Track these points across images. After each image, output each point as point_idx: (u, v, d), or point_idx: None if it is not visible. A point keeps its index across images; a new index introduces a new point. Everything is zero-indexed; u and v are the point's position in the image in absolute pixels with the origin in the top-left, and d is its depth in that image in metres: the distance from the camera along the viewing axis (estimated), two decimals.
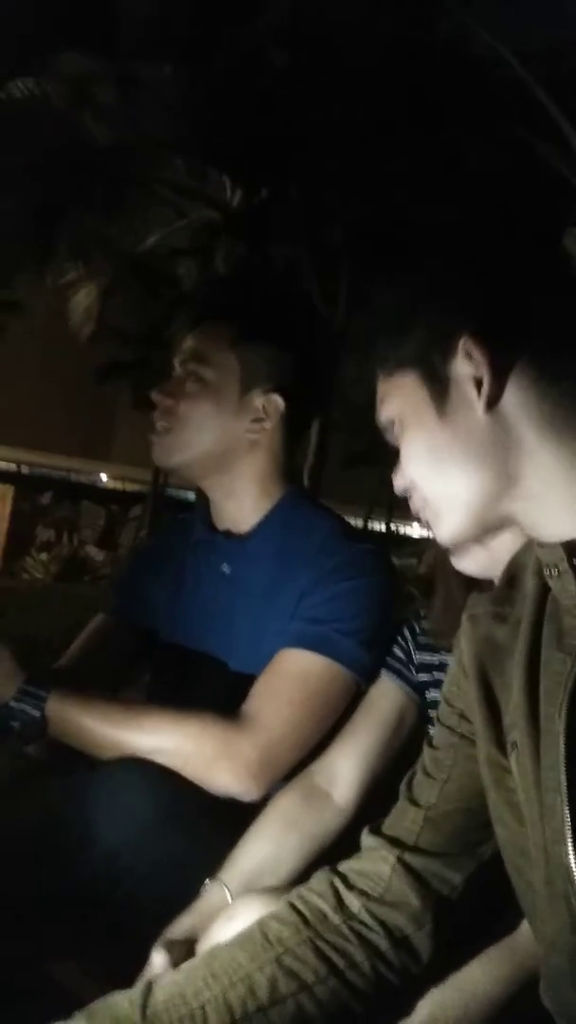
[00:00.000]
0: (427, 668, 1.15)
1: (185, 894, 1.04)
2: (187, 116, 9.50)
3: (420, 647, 1.17)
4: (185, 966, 0.77)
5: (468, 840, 0.80)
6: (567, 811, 0.63)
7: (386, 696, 1.16)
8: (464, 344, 0.70)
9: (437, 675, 1.13)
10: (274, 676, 1.16)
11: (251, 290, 1.38)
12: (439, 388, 0.73)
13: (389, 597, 1.22)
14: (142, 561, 1.48)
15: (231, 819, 1.09)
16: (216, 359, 1.25)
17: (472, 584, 1.05)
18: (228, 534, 1.30)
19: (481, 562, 1.02)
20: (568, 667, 0.66)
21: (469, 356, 0.70)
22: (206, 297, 1.38)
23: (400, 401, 0.76)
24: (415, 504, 0.79)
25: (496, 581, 0.83)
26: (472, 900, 0.80)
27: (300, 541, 1.25)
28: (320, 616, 1.18)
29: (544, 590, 0.73)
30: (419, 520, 0.81)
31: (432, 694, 1.14)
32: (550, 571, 0.70)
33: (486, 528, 0.76)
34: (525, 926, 0.84)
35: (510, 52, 6.77)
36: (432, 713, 1.12)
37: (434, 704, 1.12)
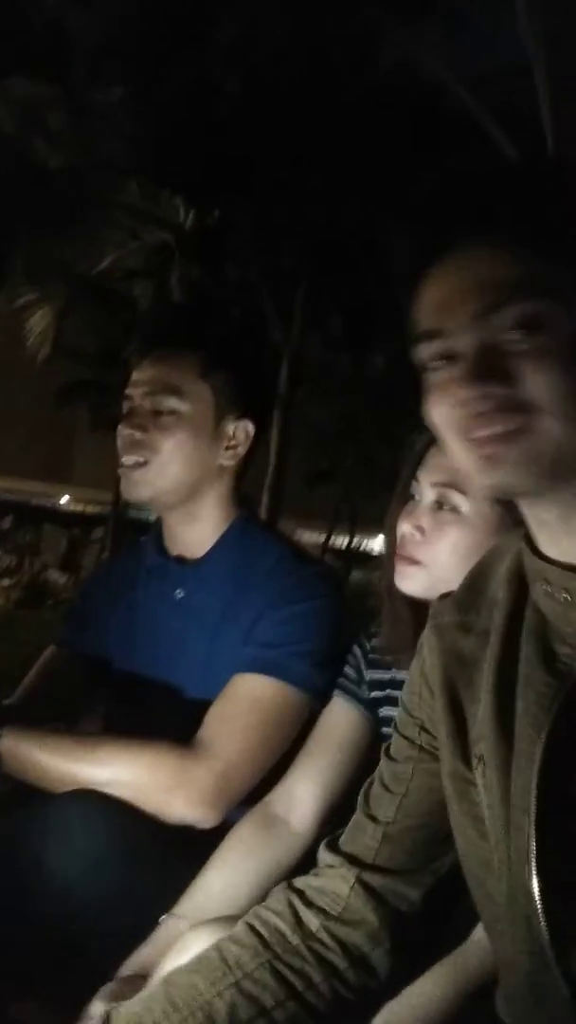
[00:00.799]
0: (379, 685, 1.16)
1: (142, 927, 1.03)
2: (139, 139, 9.53)
3: (371, 664, 1.18)
4: (143, 995, 0.76)
5: (427, 855, 0.80)
6: (533, 832, 0.63)
7: (340, 718, 1.17)
8: None
9: (389, 691, 1.14)
10: (228, 702, 1.16)
11: (215, 317, 1.39)
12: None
13: (339, 618, 1.24)
14: (94, 590, 1.47)
15: (189, 849, 1.09)
16: (188, 390, 1.25)
17: (416, 602, 1.07)
18: (181, 559, 1.31)
19: (421, 583, 1.05)
20: (554, 691, 0.65)
21: None
22: (169, 326, 1.38)
23: (558, 301, 0.62)
24: (501, 425, 0.62)
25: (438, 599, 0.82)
26: (429, 914, 0.80)
27: (252, 565, 1.26)
28: (272, 640, 1.19)
29: (518, 602, 0.70)
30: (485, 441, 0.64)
31: (385, 711, 1.15)
32: (552, 592, 0.67)
33: (545, 489, 0.64)
34: (476, 935, 0.85)
35: (454, 79, 6.91)
36: (386, 730, 1.13)
37: (387, 720, 1.13)
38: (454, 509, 1.03)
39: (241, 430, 1.28)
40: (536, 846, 0.63)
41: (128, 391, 1.29)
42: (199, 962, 0.77)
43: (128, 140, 9.57)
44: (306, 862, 1.03)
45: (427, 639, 0.80)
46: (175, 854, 1.08)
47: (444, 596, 0.82)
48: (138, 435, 1.25)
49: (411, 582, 1.05)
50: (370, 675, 1.18)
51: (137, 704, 1.28)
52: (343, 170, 9.35)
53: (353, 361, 13.77)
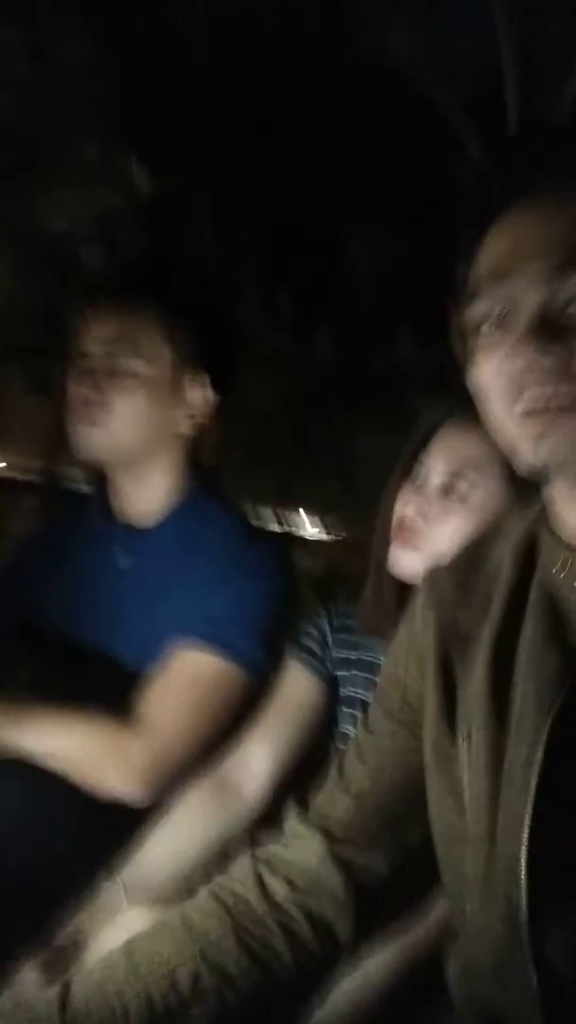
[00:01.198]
0: (345, 664, 1.15)
1: (61, 898, 0.99)
2: (101, 98, 9.27)
3: (338, 643, 1.16)
4: (105, 959, 0.73)
5: (397, 830, 0.78)
6: (530, 809, 0.61)
7: (300, 687, 1.15)
8: None
9: (355, 672, 1.13)
10: (168, 675, 1.12)
11: (176, 275, 1.34)
12: None
13: (287, 597, 1.21)
14: (30, 547, 1.41)
15: (117, 821, 1.05)
16: (148, 350, 1.21)
17: (402, 583, 1.04)
18: (128, 525, 1.26)
19: (416, 568, 1.02)
20: (562, 674, 0.63)
21: None
22: (128, 280, 1.32)
23: None
24: (553, 372, 0.59)
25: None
26: (396, 890, 0.79)
27: (202, 538, 1.22)
28: (217, 616, 1.15)
29: (523, 580, 0.69)
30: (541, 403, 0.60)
31: (347, 690, 1.13)
32: (569, 573, 0.66)
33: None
34: (433, 916, 0.86)
35: (425, 70, 6.90)
36: (347, 710, 1.11)
37: (349, 700, 1.12)
38: (461, 497, 1.00)
39: (201, 397, 1.23)
40: (530, 824, 0.61)
41: (85, 347, 1.23)
42: (162, 929, 0.74)
43: (90, 97, 9.30)
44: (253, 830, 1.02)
45: (420, 610, 0.78)
46: (105, 825, 1.03)
47: (437, 565, 0.79)
48: (95, 395, 1.19)
49: (406, 566, 1.03)
50: (337, 653, 1.16)
51: (71, 671, 1.23)
52: (306, 150, 9.28)
53: (296, 343, 13.77)
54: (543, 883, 0.62)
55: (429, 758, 0.73)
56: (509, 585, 0.70)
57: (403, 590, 1.01)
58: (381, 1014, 0.89)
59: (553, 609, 0.67)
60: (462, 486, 1.00)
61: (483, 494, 0.99)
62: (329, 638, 1.17)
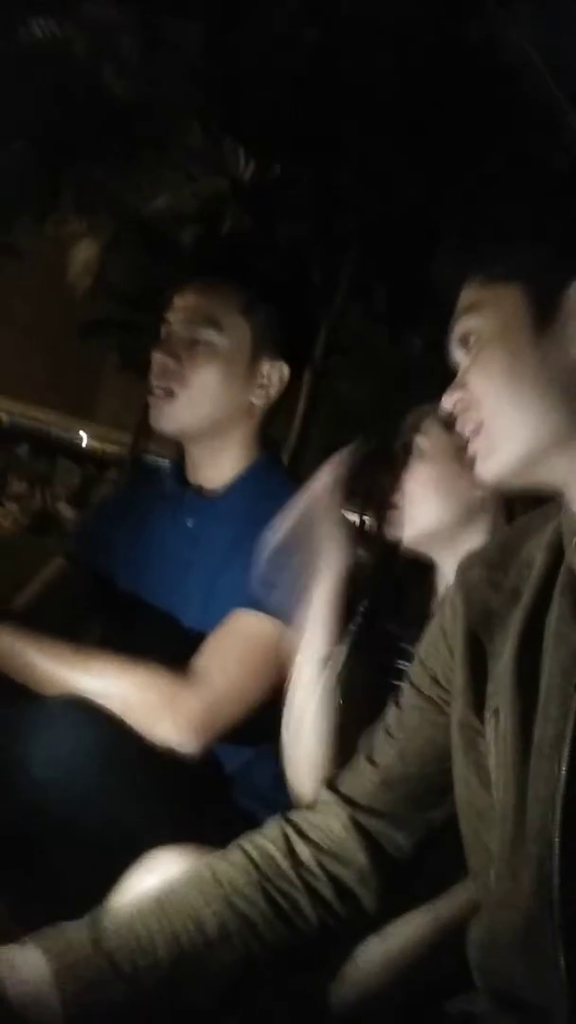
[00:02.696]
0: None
1: (110, 841, 1.04)
2: (209, 81, 9.36)
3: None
4: (135, 902, 0.78)
5: (421, 804, 0.81)
6: (563, 778, 0.64)
7: None
8: None
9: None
10: (226, 635, 1.16)
11: (263, 255, 1.37)
12: (544, 312, 0.69)
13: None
14: (108, 509, 1.47)
15: (166, 772, 1.09)
16: (228, 323, 1.24)
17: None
18: (199, 490, 1.30)
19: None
20: None
21: None
22: (217, 256, 1.36)
23: (493, 313, 0.72)
24: (465, 428, 0.74)
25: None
26: (419, 863, 0.82)
27: (267, 505, 1.24)
28: (276, 581, 1.18)
29: (554, 565, 0.72)
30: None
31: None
32: None
33: (531, 480, 0.73)
34: (465, 891, 0.87)
35: (541, 62, 6.74)
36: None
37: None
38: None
39: (276, 371, 1.27)
40: (564, 790, 0.64)
41: (167, 316, 1.28)
42: (190, 877, 0.79)
43: (198, 80, 9.40)
44: None
45: (452, 592, 0.81)
46: (155, 775, 1.08)
47: (471, 553, 0.83)
48: (172, 364, 1.23)
49: (396, 529, 1.11)
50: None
51: (136, 625, 1.28)
52: (412, 143, 9.17)
53: (391, 339, 13.62)
54: (574, 855, 0.64)
55: (456, 735, 0.76)
56: (542, 569, 0.72)
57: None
58: (410, 981, 0.91)
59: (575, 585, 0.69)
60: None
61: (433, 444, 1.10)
62: None
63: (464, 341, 0.75)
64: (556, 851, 0.64)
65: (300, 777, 1.03)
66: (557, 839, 0.64)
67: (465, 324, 0.75)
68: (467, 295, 0.75)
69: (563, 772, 0.64)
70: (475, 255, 0.76)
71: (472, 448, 0.74)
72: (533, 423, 0.69)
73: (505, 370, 0.70)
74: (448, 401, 0.75)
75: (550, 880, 0.64)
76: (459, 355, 0.76)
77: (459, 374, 0.76)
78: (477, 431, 0.73)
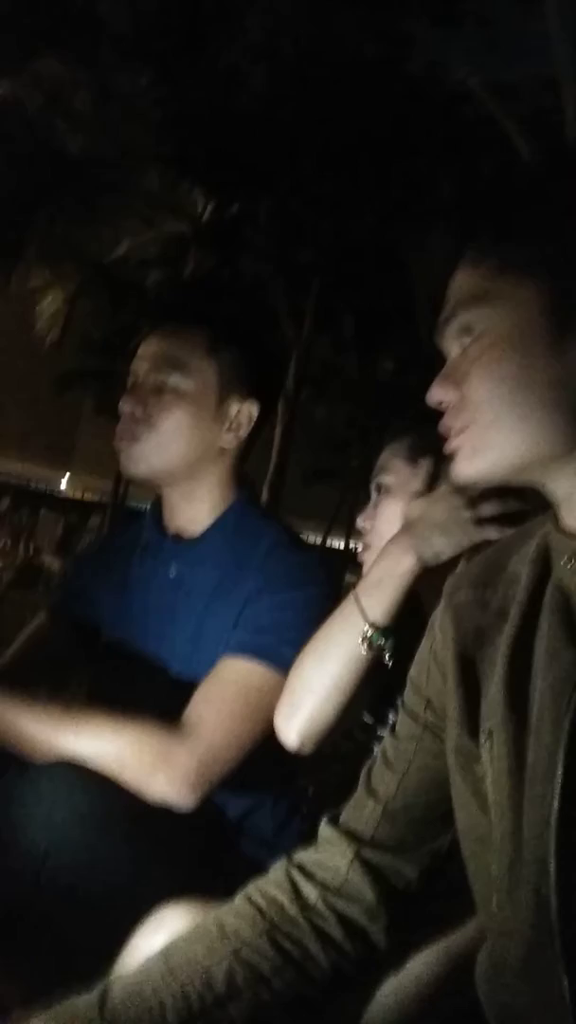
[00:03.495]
0: None
1: (113, 903, 1.02)
2: (162, 128, 9.52)
3: None
4: (144, 964, 0.76)
5: (425, 834, 0.79)
6: (557, 800, 0.62)
7: None
8: None
9: None
10: (216, 684, 1.15)
11: (225, 296, 1.38)
12: (564, 311, 0.64)
13: (332, 607, 1.22)
14: (89, 561, 1.46)
15: (165, 829, 1.08)
16: (194, 366, 1.24)
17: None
18: (177, 537, 1.30)
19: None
20: None
21: None
22: (179, 301, 1.36)
23: (504, 309, 0.66)
24: (451, 423, 0.70)
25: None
26: (427, 894, 0.80)
27: (247, 547, 1.24)
28: (264, 624, 1.17)
29: (540, 581, 0.70)
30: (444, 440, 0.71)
31: None
32: (572, 563, 0.67)
33: (506, 482, 0.70)
34: (469, 925, 0.86)
35: (480, 86, 6.90)
36: None
37: None
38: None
39: (244, 412, 1.27)
40: (558, 814, 0.62)
41: (133, 366, 1.28)
42: (196, 932, 0.77)
43: (151, 127, 9.56)
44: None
45: (440, 616, 0.79)
46: (154, 832, 1.06)
47: (457, 573, 0.82)
48: (139, 411, 1.23)
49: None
50: None
51: (123, 678, 1.26)
52: (365, 171, 9.34)
53: (361, 363, 13.75)
54: (572, 877, 0.62)
55: (452, 760, 0.74)
56: (527, 588, 0.71)
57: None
58: (423, 1018, 0.89)
59: (567, 605, 0.67)
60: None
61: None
62: None
63: (465, 332, 0.69)
64: (552, 875, 0.62)
65: (281, 707, 1.06)
66: (553, 862, 0.62)
67: (468, 315, 0.68)
68: (471, 281, 0.68)
69: (556, 795, 0.63)
70: (484, 235, 0.69)
71: (453, 444, 0.69)
72: (530, 434, 0.66)
73: (513, 377, 0.65)
74: (436, 394, 0.70)
75: (547, 904, 0.63)
76: (452, 345, 0.70)
77: (450, 365, 0.70)
78: (463, 429, 0.69)
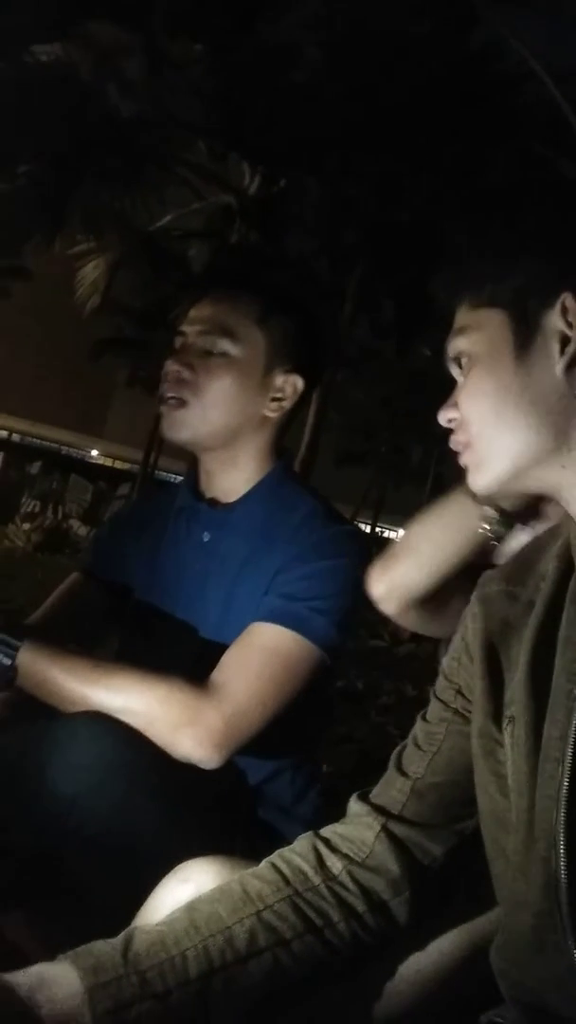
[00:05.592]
0: None
1: (135, 853, 1.04)
2: (213, 99, 9.45)
3: None
4: (167, 918, 0.78)
5: (451, 814, 0.82)
6: (567, 777, 0.66)
7: None
8: (565, 300, 0.72)
9: None
10: (245, 648, 1.16)
11: (277, 267, 1.38)
12: (525, 335, 0.73)
13: (363, 579, 1.23)
14: (123, 523, 1.47)
15: (189, 786, 1.09)
16: (242, 333, 1.24)
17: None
18: (213, 503, 1.30)
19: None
20: None
21: (565, 313, 0.72)
22: (233, 268, 1.36)
23: (479, 336, 0.77)
24: (457, 444, 0.79)
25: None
26: (451, 874, 0.83)
27: (282, 516, 1.25)
28: (295, 593, 1.18)
29: (565, 574, 0.74)
30: (457, 460, 0.80)
31: None
32: None
33: (522, 489, 0.77)
34: (494, 912, 0.87)
35: (541, 69, 6.76)
36: None
37: None
38: None
39: (290, 384, 1.27)
40: (567, 791, 0.66)
41: (182, 327, 1.28)
42: (220, 892, 0.79)
43: (202, 98, 9.49)
44: None
45: (472, 606, 0.83)
46: (178, 786, 1.07)
47: (492, 568, 0.86)
48: (185, 374, 1.24)
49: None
50: None
51: (152, 640, 1.28)
52: (416, 152, 9.21)
53: (399, 349, 13.64)
54: None
55: (476, 743, 0.78)
56: (553, 579, 0.75)
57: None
58: (442, 996, 0.90)
59: None
60: None
61: None
62: None
63: (457, 361, 0.80)
64: (562, 848, 0.66)
65: (378, 561, 1.08)
66: (562, 837, 0.66)
67: (456, 345, 0.79)
68: (459, 317, 0.80)
69: (566, 769, 0.66)
70: (465, 279, 0.80)
71: (462, 461, 0.79)
72: (517, 441, 0.74)
73: (490, 392, 0.75)
74: (442, 418, 0.80)
75: (557, 877, 0.66)
76: (455, 372, 0.81)
77: (455, 391, 0.81)
78: (466, 447, 0.78)
